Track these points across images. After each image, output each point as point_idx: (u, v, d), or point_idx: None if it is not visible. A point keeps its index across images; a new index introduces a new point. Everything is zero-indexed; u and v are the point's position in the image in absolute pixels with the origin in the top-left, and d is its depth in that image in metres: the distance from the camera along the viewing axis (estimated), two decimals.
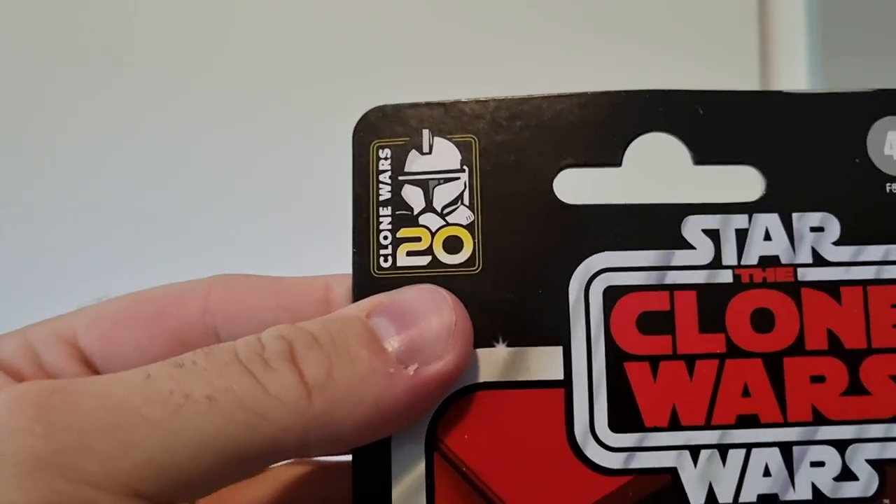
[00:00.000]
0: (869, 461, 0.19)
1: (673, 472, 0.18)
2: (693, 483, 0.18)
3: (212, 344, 0.19)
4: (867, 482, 0.19)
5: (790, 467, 0.19)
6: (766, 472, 0.19)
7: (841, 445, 0.19)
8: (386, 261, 0.19)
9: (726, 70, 0.43)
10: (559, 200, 0.19)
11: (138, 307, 0.19)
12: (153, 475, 0.14)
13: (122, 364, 0.19)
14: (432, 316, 0.17)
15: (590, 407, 0.19)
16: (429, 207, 0.19)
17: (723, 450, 0.19)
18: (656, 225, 0.19)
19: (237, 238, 0.45)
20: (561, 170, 0.19)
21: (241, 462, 0.15)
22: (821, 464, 0.19)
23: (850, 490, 0.19)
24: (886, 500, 0.19)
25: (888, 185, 0.19)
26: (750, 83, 0.43)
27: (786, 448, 0.19)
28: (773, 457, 0.19)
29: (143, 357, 0.19)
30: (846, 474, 0.19)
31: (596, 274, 0.19)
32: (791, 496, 0.18)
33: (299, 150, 0.46)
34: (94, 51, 0.48)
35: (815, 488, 0.18)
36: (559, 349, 0.19)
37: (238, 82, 0.47)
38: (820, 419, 0.19)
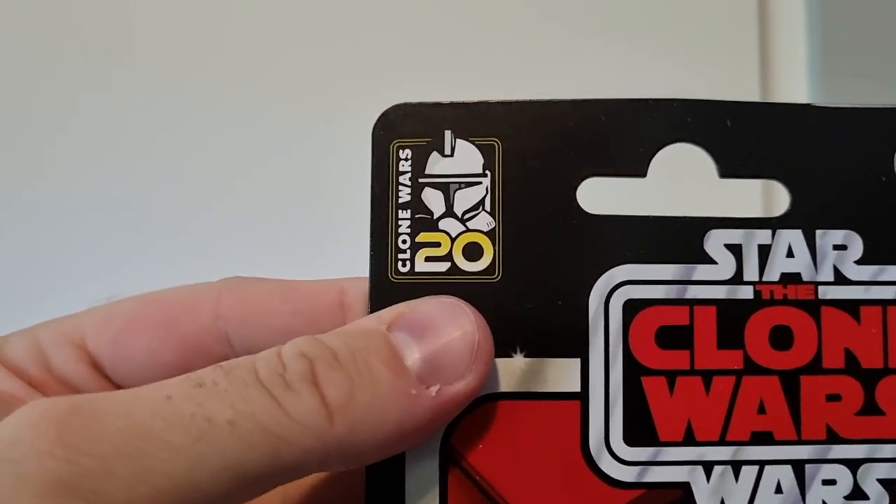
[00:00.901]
0: (880, 480, 0.19)
1: (685, 487, 0.18)
2: (705, 498, 0.18)
3: (223, 349, 0.18)
4: (877, 501, 0.19)
5: (802, 485, 0.19)
6: (778, 489, 0.19)
7: (853, 465, 0.19)
8: (404, 265, 0.19)
9: (726, 71, 0.43)
10: (582, 209, 0.19)
11: (149, 310, 0.19)
12: (173, 500, 0.14)
13: (131, 368, 0.18)
14: (455, 332, 0.17)
15: (605, 420, 0.18)
16: (449, 212, 0.19)
17: (736, 466, 0.19)
18: (679, 238, 0.19)
19: (249, 240, 0.45)
20: (585, 178, 0.19)
21: (260, 483, 0.15)
22: (832, 482, 0.19)
23: None
24: None
25: None
26: (750, 84, 0.43)
27: (798, 466, 0.19)
28: (786, 474, 0.19)
29: (154, 362, 0.19)
30: (857, 493, 0.19)
31: (616, 286, 0.19)
32: None
33: (313, 149, 0.46)
34: (95, 50, 0.48)
35: None
36: (577, 361, 0.19)
37: (249, 80, 0.47)
38: (834, 438, 0.19)
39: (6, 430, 0.14)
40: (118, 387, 0.19)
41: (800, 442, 0.19)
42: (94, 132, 0.47)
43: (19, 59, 0.47)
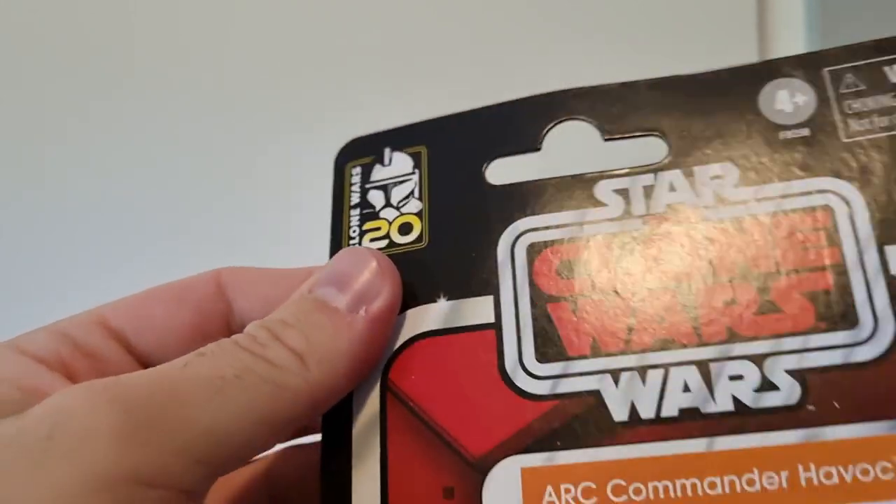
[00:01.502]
0: (788, 371, 0.19)
1: (596, 394, 0.20)
2: (616, 402, 0.20)
3: (229, 316, 0.23)
4: (789, 391, 0.19)
5: (709, 383, 0.20)
6: (686, 389, 0.20)
7: (758, 359, 0.20)
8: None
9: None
10: (489, 183, 0.23)
11: (159, 290, 0.24)
12: (208, 444, 0.18)
13: (153, 336, 0.23)
14: (360, 266, 0.21)
15: (518, 343, 0.21)
16: (388, 204, 0.24)
17: (642, 371, 0.20)
18: (572, 191, 0.22)
19: (236, 240, 0.45)
20: (491, 160, 0.23)
21: (272, 426, 0.19)
22: (740, 377, 0.20)
23: (772, 399, 0.19)
24: (811, 407, 0.19)
25: (781, 133, 0.22)
26: None
27: (703, 366, 0.20)
28: (692, 374, 0.20)
29: (172, 326, 0.23)
30: (767, 385, 0.19)
31: (520, 235, 0.22)
32: (712, 409, 0.20)
33: (296, 156, 0.46)
34: (95, 50, 0.50)
35: (736, 400, 0.19)
36: (490, 297, 0.22)
37: (245, 82, 0.48)
38: (735, 337, 0.20)
39: (72, 422, 0.17)
40: (142, 356, 0.24)
41: (702, 344, 0.20)
42: (94, 132, 0.48)
43: (16, 59, 0.50)
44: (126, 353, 0.23)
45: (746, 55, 0.44)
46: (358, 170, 0.24)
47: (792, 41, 0.44)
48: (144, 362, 0.23)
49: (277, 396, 0.19)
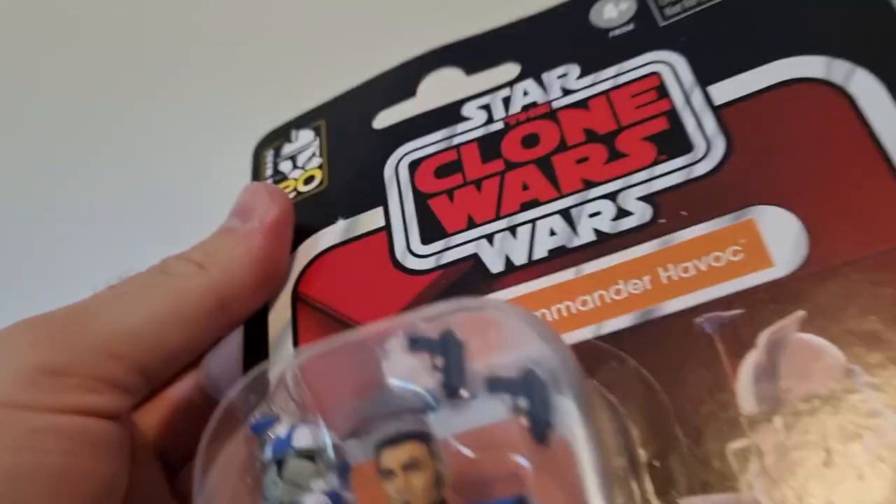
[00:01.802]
0: (639, 198, 0.22)
1: (474, 257, 0.22)
2: (492, 258, 0.22)
3: None
4: (642, 213, 0.21)
5: (571, 224, 0.22)
6: (552, 233, 0.22)
7: (612, 196, 0.22)
8: None
9: None
10: (375, 129, 0.26)
11: None
12: (120, 341, 0.20)
13: None
14: (252, 193, 0.24)
15: (405, 235, 0.23)
16: (294, 167, 0.27)
17: (512, 229, 0.22)
18: (443, 116, 0.25)
19: None
20: (377, 112, 0.27)
21: (182, 322, 0.21)
22: (598, 213, 0.22)
23: (628, 223, 0.21)
24: (662, 220, 0.21)
25: (611, 33, 0.25)
26: None
27: (565, 213, 0.22)
28: (556, 221, 0.22)
29: None
30: (621, 213, 0.21)
31: (402, 157, 0.25)
32: (577, 242, 0.21)
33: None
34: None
35: (597, 231, 0.21)
36: (380, 208, 0.24)
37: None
38: (590, 185, 0.22)
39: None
40: None
41: (562, 196, 0.22)
42: (94, 133, 0.48)
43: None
44: None
45: None
46: (271, 152, 0.28)
47: None
48: None
49: (181, 296, 0.21)
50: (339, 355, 0.20)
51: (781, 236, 0.19)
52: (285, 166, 0.27)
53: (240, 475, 0.18)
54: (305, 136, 0.27)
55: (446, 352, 0.19)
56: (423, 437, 0.17)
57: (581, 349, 0.19)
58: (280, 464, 0.17)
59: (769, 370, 0.18)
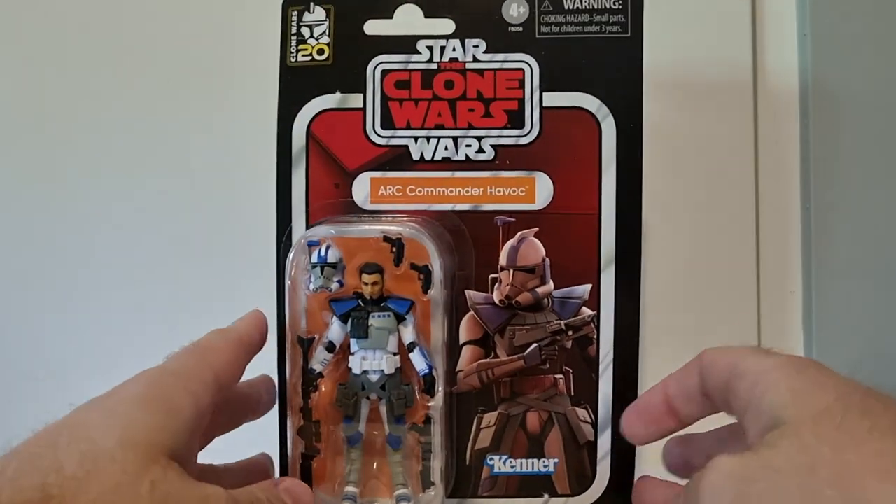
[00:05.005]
0: (492, 145, 0.44)
1: (405, 147, 0.45)
2: (415, 151, 0.44)
3: None
4: (489, 154, 0.44)
5: (455, 146, 0.44)
6: (446, 148, 0.44)
7: (479, 138, 0.44)
8: (293, 59, 0.45)
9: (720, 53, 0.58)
10: (365, 34, 0.45)
11: None
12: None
13: None
14: None
15: (373, 119, 0.45)
16: (311, 36, 0.46)
17: (427, 138, 0.44)
18: (405, 43, 0.45)
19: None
20: (367, 20, 0.45)
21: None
22: (469, 145, 0.44)
23: (481, 157, 0.44)
24: (497, 161, 0.44)
25: (510, 28, 0.44)
26: (743, 64, 0.58)
27: (454, 139, 0.44)
28: (449, 143, 0.44)
29: None
30: (480, 151, 0.44)
31: (377, 65, 0.45)
32: (456, 158, 0.44)
33: None
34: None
35: (466, 156, 0.44)
36: (360, 95, 0.45)
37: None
38: (470, 126, 0.44)
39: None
40: None
41: (455, 129, 0.44)
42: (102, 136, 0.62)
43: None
44: None
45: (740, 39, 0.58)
46: (295, 13, 0.46)
47: (783, 9, 0.58)
48: None
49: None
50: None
51: (543, 190, 0.44)
52: (305, 31, 0.46)
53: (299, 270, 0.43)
54: (319, 13, 0.46)
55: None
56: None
57: (441, 214, 0.44)
58: (319, 267, 0.41)
59: (514, 249, 0.45)
